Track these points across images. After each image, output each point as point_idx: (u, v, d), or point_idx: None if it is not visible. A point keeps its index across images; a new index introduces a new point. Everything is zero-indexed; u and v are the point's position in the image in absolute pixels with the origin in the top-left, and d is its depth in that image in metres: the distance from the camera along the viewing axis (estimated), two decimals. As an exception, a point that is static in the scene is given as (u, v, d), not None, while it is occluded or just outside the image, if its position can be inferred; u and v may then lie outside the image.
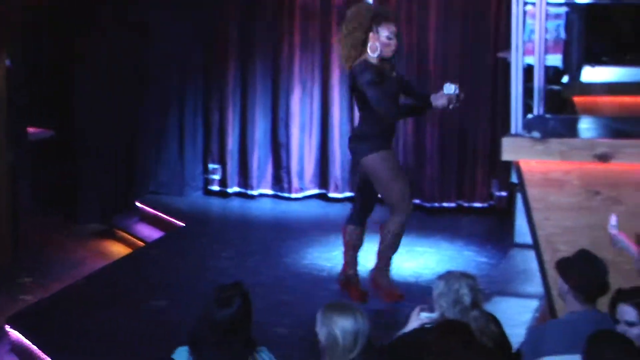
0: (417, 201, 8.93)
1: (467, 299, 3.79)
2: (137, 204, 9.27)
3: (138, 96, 9.44)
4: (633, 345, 3.38)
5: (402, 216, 6.10)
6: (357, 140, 6.21)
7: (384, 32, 5.93)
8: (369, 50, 5.96)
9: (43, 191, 9.25)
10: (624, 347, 3.31)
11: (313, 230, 8.29)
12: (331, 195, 9.30)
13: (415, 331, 3.84)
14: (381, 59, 5.99)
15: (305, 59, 9.30)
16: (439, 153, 8.99)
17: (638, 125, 5.62)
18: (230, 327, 3.65)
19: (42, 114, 9.01)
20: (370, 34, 5.96)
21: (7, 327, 6.27)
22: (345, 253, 6.34)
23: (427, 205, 8.99)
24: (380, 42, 5.93)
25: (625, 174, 5.07)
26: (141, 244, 8.54)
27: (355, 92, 6.19)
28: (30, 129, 8.35)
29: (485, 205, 8.90)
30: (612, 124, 5.48)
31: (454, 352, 3.19)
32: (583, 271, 3.95)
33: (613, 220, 4.67)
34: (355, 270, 6.33)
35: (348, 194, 9.26)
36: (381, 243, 6.21)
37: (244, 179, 9.47)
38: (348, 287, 6.30)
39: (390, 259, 6.23)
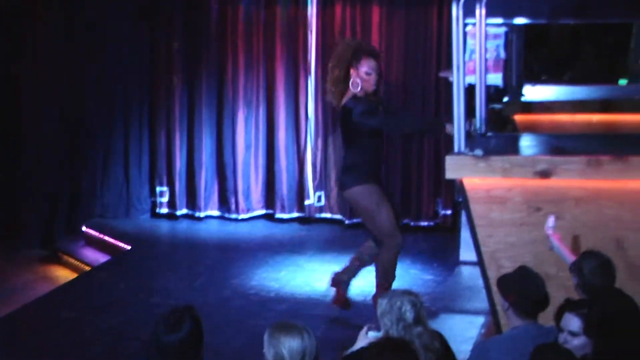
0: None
1: (409, 316, 3.82)
2: (83, 228, 9.19)
3: (80, 119, 9.36)
4: (574, 357, 3.44)
5: (391, 249, 6.11)
6: (343, 173, 6.23)
7: (363, 68, 5.94)
8: (350, 86, 5.99)
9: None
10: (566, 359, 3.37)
11: (260, 251, 8.29)
12: (278, 215, 9.32)
13: (361, 350, 3.86)
14: (365, 93, 6.00)
15: (250, 79, 9.33)
16: (384, 172, 9.04)
17: (576, 142, 5.74)
18: (179, 351, 3.57)
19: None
20: (352, 70, 5.99)
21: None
22: (352, 260, 6.37)
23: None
24: (359, 78, 5.94)
25: (565, 190, 5.17)
26: (87, 268, 8.45)
27: (345, 127, 6.17)
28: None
29: (430, 223, 8.99)
30: (551, 141, 5.59)
31: None
32: (521, 288, 4.01)
33: (550, 221, 4.78)
34: (350, 278, 6.34)
35: (295, 214, 9.30)
36: (377, 273, 6.24)
37: (192, 201, 9.44)
38: (336, 288, 6.32)
39: (389, 286, 6.18)
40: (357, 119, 5.92)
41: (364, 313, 6.44)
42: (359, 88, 5.97)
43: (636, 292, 4.38)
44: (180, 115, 9.45)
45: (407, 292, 3.91)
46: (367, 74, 5.91)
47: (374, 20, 8.96)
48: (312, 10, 9.11)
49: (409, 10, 8.86)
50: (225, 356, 5.67)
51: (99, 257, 8.62)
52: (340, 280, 6.31)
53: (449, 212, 8.82)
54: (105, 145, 9.49)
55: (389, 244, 6.06)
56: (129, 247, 8.57)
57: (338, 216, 9.25)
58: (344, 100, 6.05)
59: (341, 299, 6.26)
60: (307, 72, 9.18)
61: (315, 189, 9.25)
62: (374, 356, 3.27)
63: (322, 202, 9.28)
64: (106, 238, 8.89)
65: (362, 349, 3.86)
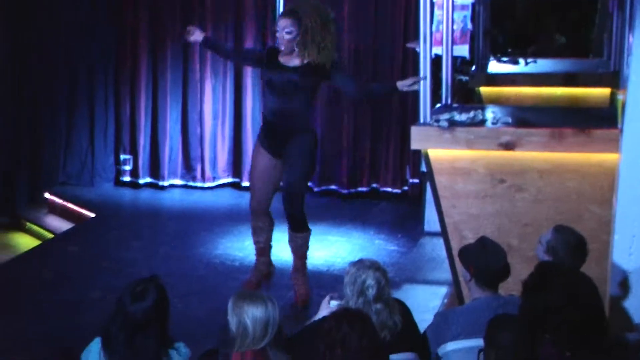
0: (333, 187, 9.10)
1: (371, 292, 3.81)
2: (46, 195, 9.12)
3: (42, 86, 9.25)
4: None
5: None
6: None
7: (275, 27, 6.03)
8: None
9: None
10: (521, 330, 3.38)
11: (225, 220, 8.28)
12: (244, 184, 9.32)
13: (323, 319, 3.86)
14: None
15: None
16: (353, 141, 9.12)
17: (540, 114, 5.77)
18: (143, 322, 3.55)
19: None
20: None
21: None
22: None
23: (344, 191, 9.13)
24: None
25: (529, 162, 5.19)
26: (50, 235, 8.40)
27: None
28: None
29: (398, 191, 9.07)
30: (516, 113, 5.61)
31: (347, 340, 3.20)
32: (482, 258, 4.01)
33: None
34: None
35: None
36: None
37: (156, 170, 9.41)
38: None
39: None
40: None
41: (328, 282, 6.48)
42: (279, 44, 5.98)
43: (589, 264, 4.44)
44: (146, 84, 9.39)
45: (374, 267, 3.88)
46: (276, 31, 5.97)
47: (343, -8, 8.95)
48: (279, -20, 9.06)
49: (377, -19, 8.86)
50: (190, 326, 5.65)
51: (62, 225, 8.57)
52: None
53: (417, 180, 8.87)
54: (69, 112, 9.41)
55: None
56: (93, 215, 8.52)
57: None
58: None
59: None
60: (274, 41, 9.13)
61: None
62: (332, 327, 3.28)
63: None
64: (70, 205, 8.84)
65: (323, 318, 3.87)
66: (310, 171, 6.07)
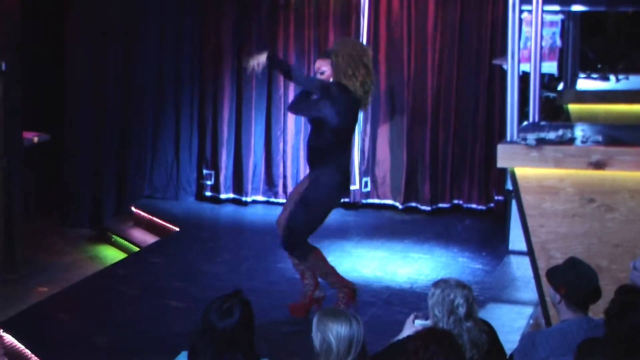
0: (414, 204, 9.03)
1: (461, 310, 3.76)
2: (132, 208, 9.27)
3: (131, 101, 9.43)
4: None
5: None
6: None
7: None
8: None
9: (36, 195, 9.22)
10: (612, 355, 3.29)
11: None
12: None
13: (407, 339, 3.81)
14: None
15: (300, 64, 9.31)
16: (436, 157, 9.05)
17: (632, 132, 5.63)
18: (231, 337, 3.54)
19: (38, 118, 8.98)
20: None
21: (1, 331, 6.25)
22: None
23: (427, 208, 9.06)
24: None
25: (619, 181, 5.08)
26: (136, 248, 8.53)
27: None
28: (26, 133, 8.31)
29: (482, 207, 8.95)
30: (606, 131, 5.48)
31: None
32: (573, 279, 3.92)
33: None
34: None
35: (344, 199, 9.29)
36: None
37: (238, 185, 9.47)
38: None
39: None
40: None
41: (410, 300, 6.42)
42: None
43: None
44: (230, 99, 9.48)
45: (460, 285, 3.84)
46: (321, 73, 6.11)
47: (429, 7, 8.90)
48: (365, -4, 9.07)
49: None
50: (274, 341, 5.67)
51: (147, 238, 8.69)
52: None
53: (501, 197, 8.75)
54: (155, 126, 9.56)
55: None
56: (177, 229, 8.62)
57: (388, 201, 9.25)
58: None
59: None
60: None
61: (362, 175, 9.23)
62: (419, 347, 3.23)
63: (368, 188, 9.27)
64: (155, 219, 8.96)
65: (408, 337, 3.82)
66: (308, 212, 6.07)
